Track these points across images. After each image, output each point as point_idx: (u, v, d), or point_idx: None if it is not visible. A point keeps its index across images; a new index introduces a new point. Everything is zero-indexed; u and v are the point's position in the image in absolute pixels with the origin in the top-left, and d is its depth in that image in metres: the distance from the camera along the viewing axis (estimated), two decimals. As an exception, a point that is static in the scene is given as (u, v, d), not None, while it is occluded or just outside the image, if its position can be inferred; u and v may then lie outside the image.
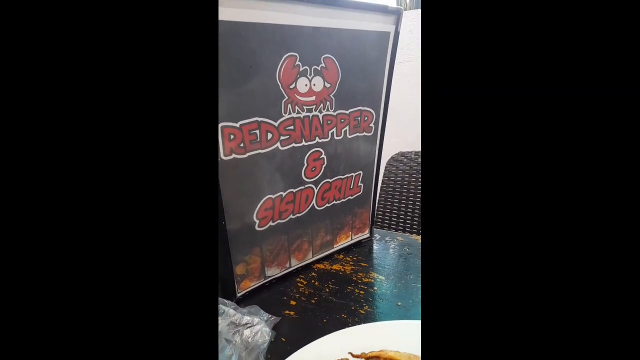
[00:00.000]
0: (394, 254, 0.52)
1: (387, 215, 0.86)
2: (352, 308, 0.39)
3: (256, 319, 0.32)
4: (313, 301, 0.41)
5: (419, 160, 0.86)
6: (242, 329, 0.30)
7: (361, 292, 0.42)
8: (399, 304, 0.40)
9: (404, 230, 0.84)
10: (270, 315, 0.35)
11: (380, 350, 0.30)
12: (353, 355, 0.30)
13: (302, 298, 0.41)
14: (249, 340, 0.30)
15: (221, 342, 0.27)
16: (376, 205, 0.55)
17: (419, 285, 0.43)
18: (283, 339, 0.34)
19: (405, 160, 0.87)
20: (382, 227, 0.86)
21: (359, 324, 0.36)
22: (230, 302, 0.34)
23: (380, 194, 0.87)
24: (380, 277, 0.46)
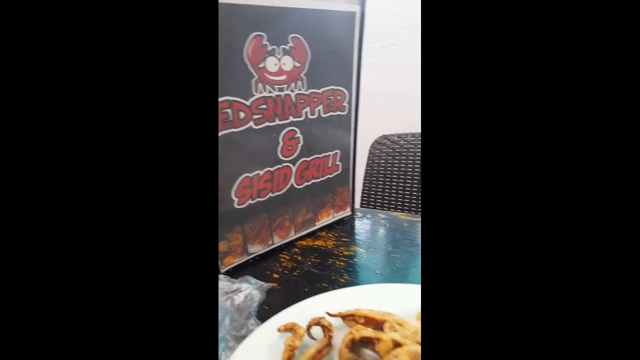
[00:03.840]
0: (375, 229, 0.54)
1: (372, 197, 0.87)
2: (333, 278, 0.41)
3: (245, 285, 0.33)
4: (295, 274, 0.42)
5: (402, 142, 0.88)
6: (233, 294, 0.32)
7: (342, 263, 0.44)
8: (378, 272, 0.42)
9: (388, 209, 0.86)
10: (262, 283, 0.37)
11: (356, 309, 0.31)
12: (330, 315, 0.31)
13: (285, 272, 0.43)
14: (240, 303, 0.31)
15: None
16: (355, 183, 0.56)
17: (398, 256, 0.45)
18: (266, 307, 0.36)
19: (388, 142, 0.88)
20: (367, 207, 0.88)
21: (337, 290, 0.38)
22: (222, 275, 0.36)
23: (365, 176, 0.89)
24: (361, 249, 0.47)
